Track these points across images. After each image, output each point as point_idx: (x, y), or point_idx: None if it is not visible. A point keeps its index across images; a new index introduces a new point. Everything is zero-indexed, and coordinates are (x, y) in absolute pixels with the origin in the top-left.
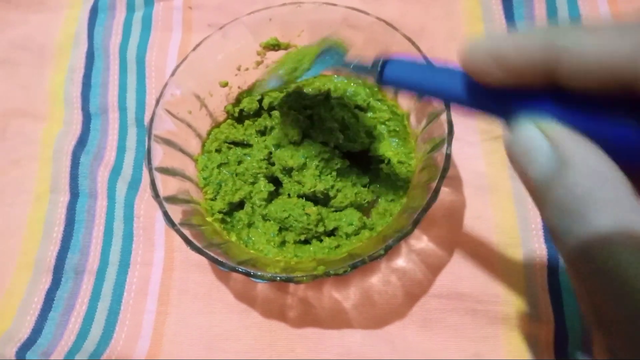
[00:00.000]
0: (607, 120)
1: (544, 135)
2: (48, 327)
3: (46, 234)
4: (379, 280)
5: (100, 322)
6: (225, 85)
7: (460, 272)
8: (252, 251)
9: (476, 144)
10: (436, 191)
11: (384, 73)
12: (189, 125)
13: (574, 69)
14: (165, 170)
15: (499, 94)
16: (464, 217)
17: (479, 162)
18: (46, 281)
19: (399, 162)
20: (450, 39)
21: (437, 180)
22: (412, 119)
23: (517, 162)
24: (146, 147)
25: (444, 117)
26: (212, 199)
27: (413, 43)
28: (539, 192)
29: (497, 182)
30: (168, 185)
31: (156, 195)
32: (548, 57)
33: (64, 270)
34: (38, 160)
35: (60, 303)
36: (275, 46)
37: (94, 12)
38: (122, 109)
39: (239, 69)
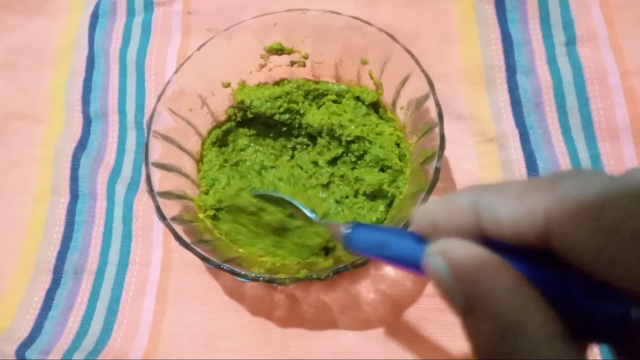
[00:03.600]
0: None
1: (452, 268)
2: (48, 326)
3: (46, 235)
4: (368, 284)
5: (99, 321)
6: (227, 85)
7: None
8: (240, 250)
9: (469, 146)
10: (423, 203)
11: (350, 242)
12: (189, 123)
13: (492, 230)
14: (162, 166)
15: None
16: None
17: (472, 164)
18: (46, 281)
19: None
20: (444, 43)
21: (425, 192)
22: (408, 131)
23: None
24: (145, 141)
25: (437, 130)
26: (205, 193)
27: (412, 55)
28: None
29: None
30: (164, 181)
31: (150, 189)
32: (471, 221)
33: (63, 270)
34: (38, 161)
35: (60, 302)
36: (279, 50)
37: (94, 17)
38: (122, 112)
39: (242, 71)
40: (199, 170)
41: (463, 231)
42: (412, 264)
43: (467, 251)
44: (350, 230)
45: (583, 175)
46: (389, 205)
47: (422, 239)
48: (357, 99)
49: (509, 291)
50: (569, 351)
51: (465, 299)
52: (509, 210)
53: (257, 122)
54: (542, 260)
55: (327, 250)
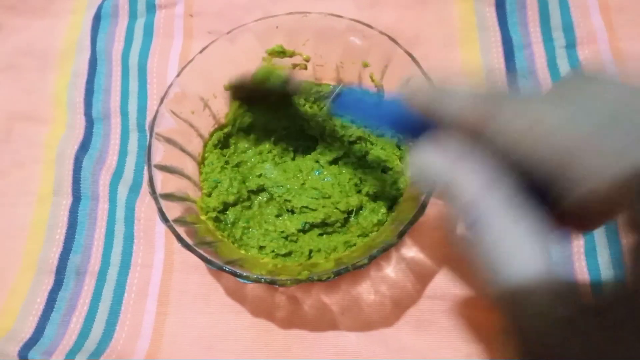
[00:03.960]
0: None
1: (435, 155)
2: (50, 327)
3: (49, 236)
4: (369, 286)
5: (101, 323)
6: (229, 88)
7: (454, 274)
8: (242, 251)
9: None
10: (423, 206)
11: (335, 104)
12: (191, 125)
13: (444, 119)
14: (164, 168)
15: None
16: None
17: None
18: (49, 282)
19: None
20: (445, 45)
21: (425, 195)
22: None
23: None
24: (147, 143)
25: None
26: (207, 195)
27: (413, 59)
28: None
29: None
30: (166, 184)
31: (153, 191)
32: (436, 110)
33: (66, 271)
34: (41, 163)
35: (62, 303)
36: (280, 53)
37: (97, 19)
38: (124, 114)
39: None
40: (200, 173)
41: (427, 113)
42: (397, 126)
43: (451, 142)
44: (338, 94)
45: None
46: (390, 207)
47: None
48: None
49: (472, 171)
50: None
51: (445, 179)
52: (456, 110)
53: (257, 128)
54: None
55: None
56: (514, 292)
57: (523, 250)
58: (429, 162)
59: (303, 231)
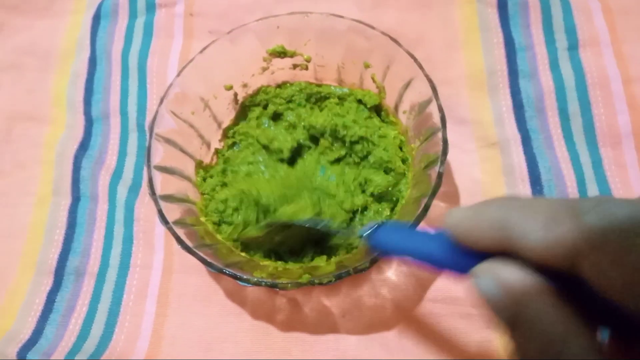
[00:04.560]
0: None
1: (498, 288)
2: (49, 328)
3: (48, 237)
4: (370, 289)
5: (100, 324)
6: (230, 88)
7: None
8: (242, 254)
9: (472, 151)
10: (426, 208)
11: (373, 239)
12: (191, 126)
13: (521, 251)
14: (164, 169)
15: (472, 255)
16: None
17: (475, 169)
18: (47, 283)
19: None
20: (447, 46)
21: (427, 197)
22: (411, 136)
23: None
24: (147, 144)
25: (440, 135)
26: (208, 199)
27: (415, 60)
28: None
29: (492, 189)
30: (166, 185)
31: (152, 192)
32: (500, 236)
33: (65, 272)
34: (41, 163)
35: (61, 304)
36: (281, 53)
37: (96, 19)
38: (124, 114)
39: (244, 74)
40: (201, 193)
41: (492, 245)
42: (442, 266)
43: (516, 275)
44: (373, 234)
45: (609, 206)
46: (392, 209)
47: (447, 241)
48: (360, 102)
49: (553, 313)
50: None
51: (513, 317)
52: (537, 236)
53: (255, 147)
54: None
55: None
56: None
57: None
58: (492, 294)
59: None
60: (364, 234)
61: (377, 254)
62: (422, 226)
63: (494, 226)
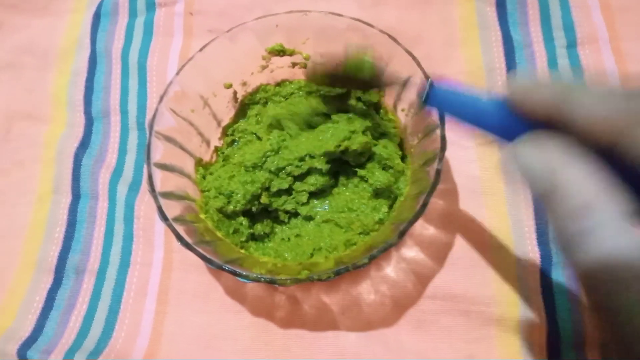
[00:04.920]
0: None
1: (540, 155)
2: (49, 326)
3: (48, 234)
4: (369, 285)
5: (100, 321)
6: (229, 87)
7: (454, 274)
8: (241, 250)
9: (470, 148)
10: (424, 205)
11: (429, 97)
12: (191, 124)
13: (580, 126)
14: (164, 166)
15: (524, 124)
16: (458, 220)
17: (473, 166)
18: (48, 280)
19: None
20: (446, 44)
21: (426, 194)
22: (409, 133)
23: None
24: (147, 142)
25: (438, 132)
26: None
27: (414, 58)
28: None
29: (491, 185)
30: (166, 182)
31: (152, 189)
32: (557, 108)
33: (65, 270)
34: (41, 161)
35: (61, 302)
36: (280, 52)
37: (96, 17)
38: (124, 112)
39: (243, 72)
40: (201, 191)
41: (547, 115)
42: (493, 130)
43: (559, 144)
44: (433, 86)
45: None
46: (390, 206)
47: (501, 107)
48: (359, 99)
49: (585, 176)
50: (633, 230)
51: (549, 184)
52: (591, 109)
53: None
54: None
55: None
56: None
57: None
58: (532, 161)
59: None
60: (420, 94)
61: (430, 110)
62: (420, 225)
63: (553, 96)
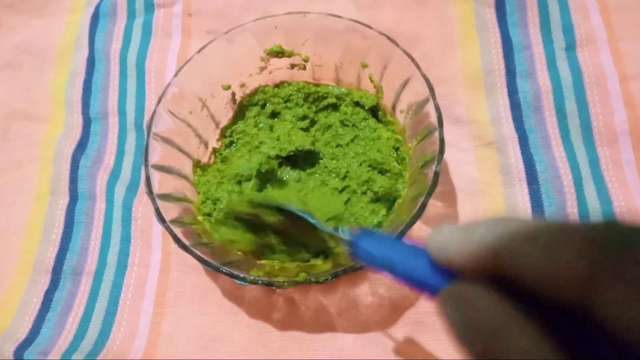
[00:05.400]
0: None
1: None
2: (46, 327)
3: (45, 236)
4: (366, 287)
5: (98, 323)
6: (227, 88)
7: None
8: (238, 252)
9: (468, 150)
10: (422, 207)
11: (355, 253)
12: (189, 125)
13: (518, 277)
14: (161, 168)
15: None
16: (456, 223)
17: (471, 168)
18: (45, 282)
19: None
20: (444, 45)
21: (424, 196)
22: (407, 135)
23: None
24: (144, 143)
25: (436, 134)
26: (203, 202)
27: (412, 59)
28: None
29: (488, 188)
30: (164, 184)
31: (150, 191)
32: (490, 263)
33: (62, 271)
34: (38, 162)
35: (59, 303)
36: (279, 53)
37: (95, 18)
38: (122, 113)
39: (242, 74)
40: (198, 193)
41: (480, 271)
42: (420, 286)
43: (487, 303)
44: (355, 240)
45: (623, 228)
46: (389, 209)
47: (432, 262)
48: (357, 104)
49: (529, 350)
50: None
51: (481, 349)
52: (540, 264)
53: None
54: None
55: (326, 254)
56: None
57: None
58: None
59: None
60: (345, 236)
61: (357, 261)
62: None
63: (485, 251)
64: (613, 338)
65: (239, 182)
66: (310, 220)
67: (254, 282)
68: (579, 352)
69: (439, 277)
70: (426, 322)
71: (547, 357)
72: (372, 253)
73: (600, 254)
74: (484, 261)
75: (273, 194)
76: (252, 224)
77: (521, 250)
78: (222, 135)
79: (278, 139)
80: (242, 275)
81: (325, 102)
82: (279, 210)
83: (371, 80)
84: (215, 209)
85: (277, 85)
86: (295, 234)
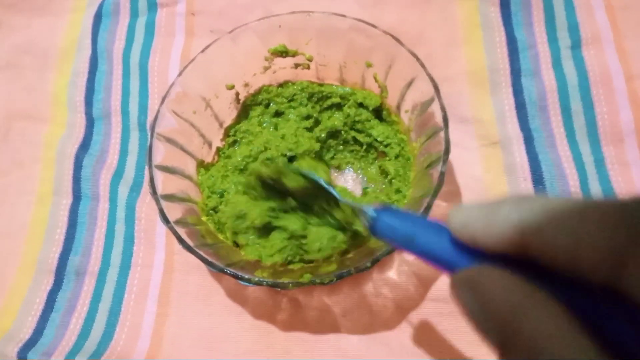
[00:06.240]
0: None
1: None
2: (49, 328)
3: (48, 236)
4: (371, 288)
5: (101, 323)
6: (231, 88)
7: None
8: (242, 253)
9: (473, 149)
10: (428, 207)
11: (376, 228)
12: (193, 125)
13: (543, 255)
14: (165, 169)
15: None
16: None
17: (476, 167)
18: (48, 282)
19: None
20: (448, 44)
21: (430, 197)
22: (412, 135)
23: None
24: (148, 143)
25: (442, 135)
26: (208, 197)
27: (417, 58)
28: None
29: (494, 187)
30: (167, 184)
31: (154, 192)
32: (516, 242)
33: (65, 271)
34: (41, 162)
35: (62, 304)
36: (283, 53)
37: (97, 17)
38: (125, 113)
39: (245, 73)
40: (202, 192)
41: (504, 251)
42: (441, 264)
43: (503, 284)
44: (377, 214)
45: None
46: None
47: (454, 240)
48: (360, 105)
49: (550, 330)
50: None
51: (500, 335)
52: (568, 242)
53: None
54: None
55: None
56: None
57: None
58: (492, 300)
59: None
60: (368, 210)
61: (377, 237)
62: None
63: (511, 230)
64: None
65: (243, 170)
66: (334, 192)
67: (258, 284)
68: (605, 335)
69: (461, 255)
70: (430, 323)
71: (573, 343)
72: (395, 226)
73: (635, 229)
74: (509, 240)
75: (302, 163)
76: (272, 190)
77: (550, 228)
78: (226, 135)
79: (283, 138)
80: (246, 277)
81: (329, 102)
82: (304, 177)
83: (376, 80)
84: (222, 202)
85: (281, 85)
86: (316, 204)
